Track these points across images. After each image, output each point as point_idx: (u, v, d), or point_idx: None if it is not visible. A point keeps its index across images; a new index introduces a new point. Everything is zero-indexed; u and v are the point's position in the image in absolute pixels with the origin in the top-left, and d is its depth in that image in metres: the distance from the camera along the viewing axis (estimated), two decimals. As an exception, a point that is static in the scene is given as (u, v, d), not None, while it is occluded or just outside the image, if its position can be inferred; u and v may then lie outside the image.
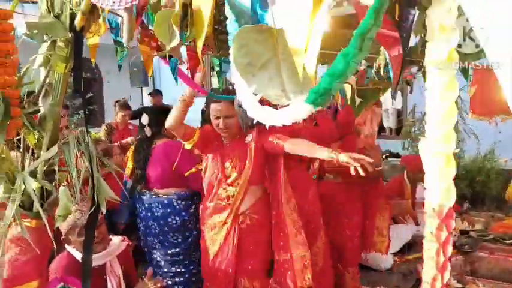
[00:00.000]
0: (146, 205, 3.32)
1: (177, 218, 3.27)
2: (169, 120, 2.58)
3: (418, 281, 3.77)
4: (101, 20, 1.45)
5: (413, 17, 0.70)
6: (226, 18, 0.98)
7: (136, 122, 5.17)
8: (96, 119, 9.39)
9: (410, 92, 5.34)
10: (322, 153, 2.30)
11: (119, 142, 4.77)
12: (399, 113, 8.19)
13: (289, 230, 2.77)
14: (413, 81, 4.80)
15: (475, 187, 6.32)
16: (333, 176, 3.69)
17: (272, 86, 0.88)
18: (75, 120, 7.81)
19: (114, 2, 1.17)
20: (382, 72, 2.67)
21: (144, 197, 3.32)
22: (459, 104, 4.67)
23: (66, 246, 2.44)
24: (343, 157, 2.00)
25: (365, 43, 0.68)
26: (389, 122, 8.40)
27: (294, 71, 0.87)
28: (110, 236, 2.60)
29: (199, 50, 1.21)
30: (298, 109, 0.80)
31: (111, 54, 2.12)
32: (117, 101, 5.72)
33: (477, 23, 0.61)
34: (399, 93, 7.51)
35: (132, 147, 3.51)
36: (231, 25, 0.99)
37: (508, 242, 4.41)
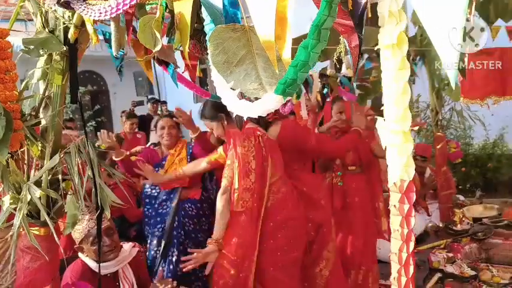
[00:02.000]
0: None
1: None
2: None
3: (432, 270, 3.77)
4: (91, 32, 1.51)
5: (365, 4, 0.74)
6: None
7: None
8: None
9: (413, 82, 5.37)
10: None
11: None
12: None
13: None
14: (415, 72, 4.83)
15: (486, 174, 6.30)
16: (355, 168, 3.81)
17: (249, 81, 0.93)
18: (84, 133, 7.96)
19: (100, 13, 1.22)
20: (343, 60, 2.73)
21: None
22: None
23: (79, 254, 2.51)
24: None
25: (322, 34, 0.73)
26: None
27: (269, 65, 0.91)
28: (121, 243, 2.67)
29: (185, 54, 1.27)
30: (269, 100, 0.85)
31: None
32: (123, 112, 5.84)
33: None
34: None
35: None
36: (208, 26, 1.04)
37: (521, 226, 4.38)
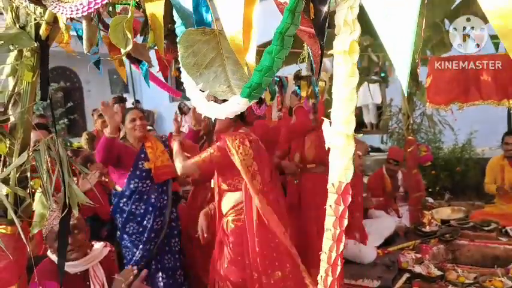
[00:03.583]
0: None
1: None
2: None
3: (400, 270, 3.86)
4: (63, 29, 1.50)
5: (326, 13, 0.78)
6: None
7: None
8: (78, 128, 9.37)
9: (386, 87, 5.49)
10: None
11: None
12: (379, 108, 8.33)
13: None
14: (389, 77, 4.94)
15: (455, 177, 6.47)
16: (315, 166, 3.83)
17: (218, 83, 0.95)
18: (57, 130, 7.81)
19: (72, 11, 1.22)
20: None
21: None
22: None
23: (48, 252, 2.48)
24: None
25: (286, 41, 0.76)
26: (369, 117, 8.51)
27: (238, 67, 0.94)
28: (92, 242, 2.64)
29: (161, 54, 1.30)
30: (235, 103, 0.87)
31: (89, 63, 2.13)
32: (94, 110, 5.79)
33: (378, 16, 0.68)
34: (377, 88, 7.66)
35: None
36: (179, 28, 1.06)
37: (487, 229, 4.54)
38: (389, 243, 4.59)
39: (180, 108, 8.43)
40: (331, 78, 3.98)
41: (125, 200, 3.50)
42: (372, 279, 3.81)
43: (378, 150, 7.45)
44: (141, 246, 3.44)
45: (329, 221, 0.91)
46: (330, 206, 0.91)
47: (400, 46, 0.67)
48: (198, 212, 3.32)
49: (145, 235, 3.44)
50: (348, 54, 0.77)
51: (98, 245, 2.67)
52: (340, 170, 0.87)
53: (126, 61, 2.17)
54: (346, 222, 0.91)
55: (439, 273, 3.67)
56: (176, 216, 3.64)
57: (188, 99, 2.79)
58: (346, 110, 0.79)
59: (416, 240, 4.49)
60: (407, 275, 3.77)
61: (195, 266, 3.73)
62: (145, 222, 3.46)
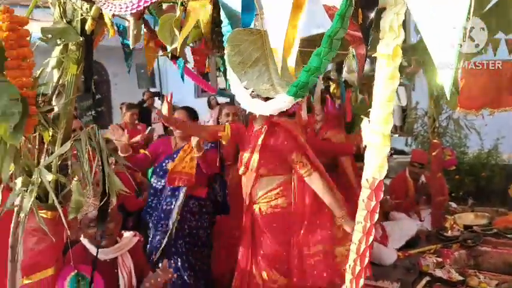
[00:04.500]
0: None
1: None
2: None
3: (421, 273, 3.85)
4: (109, 25, 1.57)
5: (372, 19, 0.82)
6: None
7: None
8: (104, 120, 9.54)
9: (413, 89, 5.44)
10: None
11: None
12: (404, 110, 8.22)
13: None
14: (415, 79, 4.90)
15: (480, 183, 6.38)
16: None
17: (262, 81, 1.00)
18: (85, 122, 8.00)
19: (121, 8, 1.28)
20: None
21: None
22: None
23: (81, 237, 2.57)
24: None
25: (334, 43, 0.80)
26: (394, 119, 8.42)
27: (282, 67, 0.98)
28: (122, 232, 2.73)
29: (179, 51, 1.34)
30: (281, 100, 0.92)
31: (117, 57, 2.18)
32: (122, 103, 5.90)
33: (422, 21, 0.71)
34: (403, 90, 7.57)
35: None
36: (225, 28, 1.11)
37: (510, 236, 4.46)
38: (411, 246, 4.56)
39: (209, 101, 8.62)
40: (360, 79, 3.98)
41: (150, 192, 3.62)
42: (392, 281, 3.80)
43: (402, 152, 7.38)
44: (149, 244, 3.47)
45: (360, 214, 0.95)
46: (363, 200, 0.94)
47: (444, 47, 0.69)
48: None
49: (152, 232, 3.48)
50: (391, 58, 0.81)
51: (127, 234, 2.75)
52: (375, 167, 0.90)
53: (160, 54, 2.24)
54: (377, 216, 0.94)
55: (460, 278, 3.64)
56: (182, 219, 3.49)
57: (221, 94, 2.87)
58: (385, 110, 0.83)
59: (438, 244, 4.46)
60: (427, 278, 3.75)
61: (219, 266, 3.75)
62: (154, 220, 3.51)
